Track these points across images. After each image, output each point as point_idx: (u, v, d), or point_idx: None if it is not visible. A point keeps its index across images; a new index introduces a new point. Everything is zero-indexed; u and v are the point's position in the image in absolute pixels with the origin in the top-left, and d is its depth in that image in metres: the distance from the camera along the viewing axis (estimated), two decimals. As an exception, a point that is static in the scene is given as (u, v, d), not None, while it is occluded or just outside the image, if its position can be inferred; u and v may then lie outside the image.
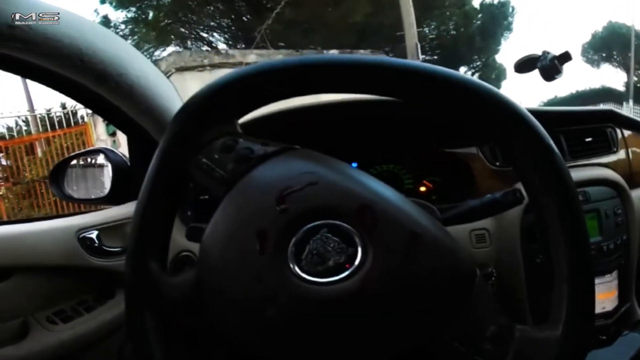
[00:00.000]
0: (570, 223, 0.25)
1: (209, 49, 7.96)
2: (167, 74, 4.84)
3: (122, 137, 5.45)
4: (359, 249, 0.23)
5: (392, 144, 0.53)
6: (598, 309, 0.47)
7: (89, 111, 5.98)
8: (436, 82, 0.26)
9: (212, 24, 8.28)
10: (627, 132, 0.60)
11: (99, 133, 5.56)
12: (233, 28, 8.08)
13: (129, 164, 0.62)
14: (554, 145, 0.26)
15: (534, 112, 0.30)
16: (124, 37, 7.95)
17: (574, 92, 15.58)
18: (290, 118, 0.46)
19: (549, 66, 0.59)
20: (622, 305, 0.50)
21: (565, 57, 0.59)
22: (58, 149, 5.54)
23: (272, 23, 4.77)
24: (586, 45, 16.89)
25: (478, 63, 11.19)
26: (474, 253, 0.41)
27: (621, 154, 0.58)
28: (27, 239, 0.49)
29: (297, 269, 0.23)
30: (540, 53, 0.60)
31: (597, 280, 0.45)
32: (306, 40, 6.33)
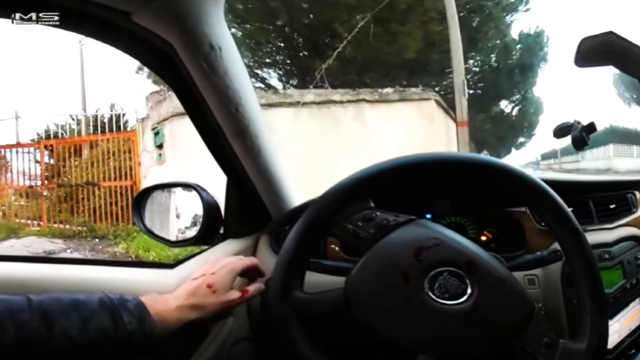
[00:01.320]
0: (591, 279, 0.41)
1: (263, 85, 7.95)
2: None
3: (168, 152, 5.44)
4: (469, 287, 0.40)
5: (459, 201, 0.68)
6: (626, 331, 0.61)
7: (138, 116, 5.97)
8: (489, 170, 0.44)
9: (267, 60, 8.19)
10: None
11: (146, 143, 5.42)
12: (288, 65, 8.03)
13: (218, 204, 0.66)
14: (577, 223, 0.42)
15: (567, 183, 0.62)
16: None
17: (607, 127, 15.11)
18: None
19: (579, 137, 0.66)
20: None
21: (591, 128, 0.67)
22: (104, 153, 5.52)
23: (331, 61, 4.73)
24: (617, 76, 16.27)
25: (518, 96, 10.98)
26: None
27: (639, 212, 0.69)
28: (130, 284, 0.52)
29: (430, 294, 0.40)
30: (572, 121, 0.69)
31: (623, 311, 0.60)
32: (361, 77, 6.32)
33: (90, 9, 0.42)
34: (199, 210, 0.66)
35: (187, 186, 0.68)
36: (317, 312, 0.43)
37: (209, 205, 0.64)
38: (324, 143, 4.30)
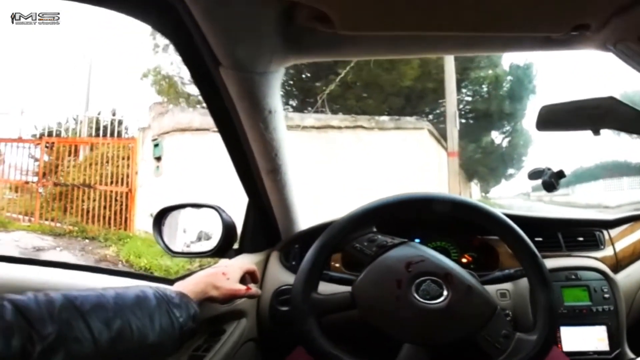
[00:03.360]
0: (543, 289, 0.54)
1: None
2: None
3: (166, 165, 5.46)
4: (445, 291, 0.54)
5: (444, 229, 0.82)
6: (592, 347, 0.72)
7: (140, 125, 6.01)
8: (460, 207, 0.58)
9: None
10: (613, 232, 0.83)
11: (144, 153, 5.52)
12: (289, 86, 8.01)
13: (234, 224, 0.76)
14: (534, 248, 0.56)
15: (539, 219, 0.83)
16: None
17: (598, 163, 15.39)
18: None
19: (549, 182, 0.75)
20: (614, 350, 0.72)
21: (560, 175, 0.75)
22: (102, 157, 5.53)
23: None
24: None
25: (508, 128, 11.36)
26: (499, 303, 0.64)
27: (608, 251, 0.80)
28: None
29: (416, 295, 0.54)
30: (544, 167, 0.76)
31: (589, 328, 0.72)
32: (359, 103, 6.51)
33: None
34: (205, 227, 0.78)
35: (209, 207, 0.77)
36: (330, 308, 0.57)
37: (228, 224, 0.74)
38: (322, 166, 4.44)
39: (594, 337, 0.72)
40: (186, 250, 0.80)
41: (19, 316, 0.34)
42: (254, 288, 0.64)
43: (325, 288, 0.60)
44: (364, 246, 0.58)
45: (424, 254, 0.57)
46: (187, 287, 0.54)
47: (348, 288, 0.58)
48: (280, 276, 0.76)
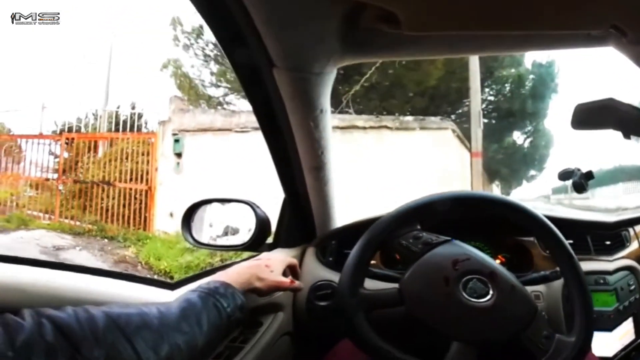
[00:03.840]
0: (581, 291, 0.55)
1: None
2: (245, 130, 4.87)
3: (187, 164, 5.48)
4: (490, 290, 0.55)
5: (479, 229, 0.80)
6: (619, 346, 0.72)
7: (160, 118, 5.93)
8: (507, 207, 0.60)
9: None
10: (638, 227, 0.84)
11: (164, 148, 5.44)
12: None
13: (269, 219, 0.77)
14: (571, 250, 0.56)
15: (568, 220, 0.80)
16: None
17: (617, 166, 14.98)
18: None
19: (578, 183, 0.75)
20: (639, 338, 0.74)
21: (588, 176, 0.75)
22: (121, 152, 5.48)
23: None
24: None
25: (530, 128, 11.03)
26: None
27: (634, 245, 0.81)
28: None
29: (464, 294, 0.55)
30: (573, 167, 0.76)
31: (617, 329, 0.72)
32: (383, 104, 6.38)
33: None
34: (232, 222, 0.81)
35: (242, 202, 0.78)
36: (378, 304, 0.57)
37: (262, 219, 0.76)
38: (347, 167, 4.34)
39: (619, 337, 0.73)
40: (212, 243, 0.81)
41: (59, 336, 0.32)
42: (298, 282, 0.65)
43: (368, 284, 0.59)
44: (410, 243, 0.58)
45: (469, 252, 0.57)
46: (231, 277, 0.54)
47: (390, 285, 0.60)
48: (316, 271, 0.77)
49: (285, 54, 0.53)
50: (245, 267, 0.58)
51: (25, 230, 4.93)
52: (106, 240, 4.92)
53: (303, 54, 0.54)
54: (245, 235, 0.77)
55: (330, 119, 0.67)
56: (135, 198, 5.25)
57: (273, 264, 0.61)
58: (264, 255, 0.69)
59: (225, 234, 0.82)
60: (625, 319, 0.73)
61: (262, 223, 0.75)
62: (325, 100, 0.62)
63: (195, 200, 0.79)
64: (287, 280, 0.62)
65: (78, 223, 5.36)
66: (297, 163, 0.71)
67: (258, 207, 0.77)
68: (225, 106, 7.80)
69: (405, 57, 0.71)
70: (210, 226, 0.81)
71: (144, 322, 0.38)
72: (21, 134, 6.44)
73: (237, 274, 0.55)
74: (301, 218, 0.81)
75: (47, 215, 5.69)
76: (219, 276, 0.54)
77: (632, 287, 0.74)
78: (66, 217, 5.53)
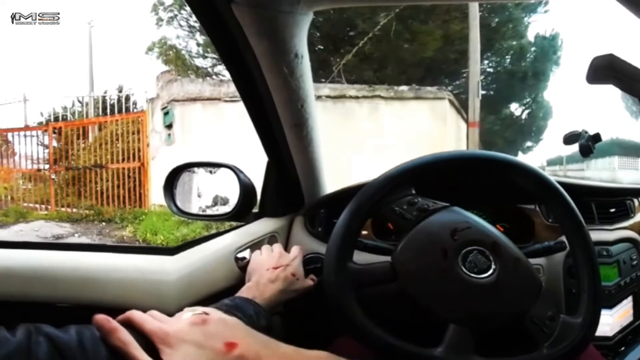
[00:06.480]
0: (590, 266, 0.48)
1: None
2: (234, 100, 4.74)
3: (178, 132, 5.42)
4: (492, 264, 0.48)
5: (476, 196, 0.72)
6: (617, 327, 0.67)
7: (148, 96, 5.76)
8: (513, 168, 0.51)
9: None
10: None
11: (155, 123, 5.37)
12: None
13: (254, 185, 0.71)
14: (581, 218, 0.49)
15: (573, 185, 0.69)
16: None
17: (614, 138, 15.00)
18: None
19: (585, 146, 0.71)
20: (637, 320, 0.69)
21: (596, 138, 0.71)
22: (111, 135, 5.41)
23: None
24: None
25: (528, 100, 10.85)
26: None
27: (637, 217, 0.76)
28: (198, 269, 0.58)
29: (463, 268, 0.47)
30: (580, 130, 0.72)
31: (617, 307, 0.66)
32: (377, 74, 6.20)
33: None
34: (220, 191, 0.74)
35: (225, 167, 0.71)
36: (368, 280, 0.50)
37: (246, 186, 0.69)
38: (336, 137, 4.26)
39: (617, 317, 0.68)
40: (200, 213, 0.75)
41: (56, 356, 0.30)
42: (315, 278, 0.64)
43: (358, 258, 0.52)
44: (403, 210, 0.50)
45: (469, 220, 0.50)
46: (263, 298, 0.53)
47: (382, 257, 0.53)
48: (305, 243, 0.70)
49: None
50: (276, 287, 0.55)
51: (24, 223, 4.91)
52: (104, 223, 4.91)
53: None
54: (233, 204, 0.70)
55: (309, 68, 0.59)
56: (129, 177, 5.21)
57: (297, 271, 0.59)
58: (276, 247, 0.63)
59: (215, 204, 0.75)
60: (626, 296, 0.68)
61: (246, 190, 0.68)
62: (301, 43, 0.55)
63: (174, 165, 0.73)
64: (311, 282, 0.61)
65: (75, 210, 5.34)
66: (276, 119, 0.63)
67: (241, 171, 0.69)
68: (213, 76, 7.68)
69: (383, 2, 0.69)
70: (199, 196, 0.75)
71: None
72: (7, 128, 6.33)
73: (270, 293, 0.54)
74: (287, 184, 0.73)
75: (43, 206, 5.66)
76: (249, 293, 0.53)
77: (635, 262, 0.69)
78: (62, 206, 5.50)
